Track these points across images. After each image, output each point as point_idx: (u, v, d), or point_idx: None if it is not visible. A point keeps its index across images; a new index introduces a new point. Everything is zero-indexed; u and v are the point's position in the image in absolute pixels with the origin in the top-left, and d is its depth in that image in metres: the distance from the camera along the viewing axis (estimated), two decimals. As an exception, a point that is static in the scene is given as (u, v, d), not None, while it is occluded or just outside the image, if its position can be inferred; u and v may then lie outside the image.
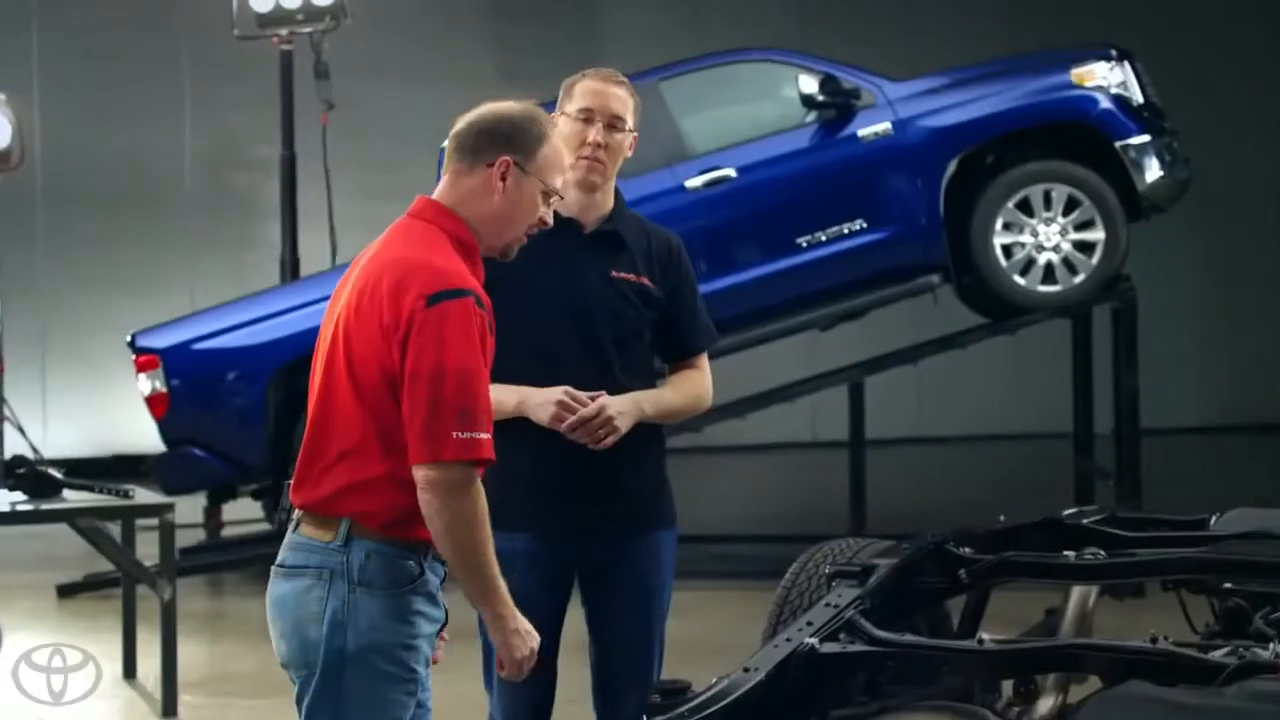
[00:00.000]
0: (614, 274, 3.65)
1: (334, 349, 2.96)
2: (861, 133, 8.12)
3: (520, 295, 3.56)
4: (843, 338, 9.43)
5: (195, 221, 13.01)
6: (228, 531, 9.21)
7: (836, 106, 8.10)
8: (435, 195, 3.05)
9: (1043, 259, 8.11)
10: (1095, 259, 8.06)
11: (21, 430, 10.12)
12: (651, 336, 3.72)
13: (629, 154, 3.71)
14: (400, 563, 2.92)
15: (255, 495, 8.93)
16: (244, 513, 9.26)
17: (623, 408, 3.53)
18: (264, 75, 10.21)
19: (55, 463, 10.47)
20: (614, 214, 3.72)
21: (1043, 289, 8.15)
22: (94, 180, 12.64)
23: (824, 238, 8.04)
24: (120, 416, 11.01)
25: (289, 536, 2.98)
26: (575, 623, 3.68)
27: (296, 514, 2.99)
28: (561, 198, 3.11)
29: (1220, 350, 15.29)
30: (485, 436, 2.86)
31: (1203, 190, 13.66)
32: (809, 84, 8.05)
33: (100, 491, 5.87)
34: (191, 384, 8.08)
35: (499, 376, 3.61)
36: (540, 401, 3.51)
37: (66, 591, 8.23)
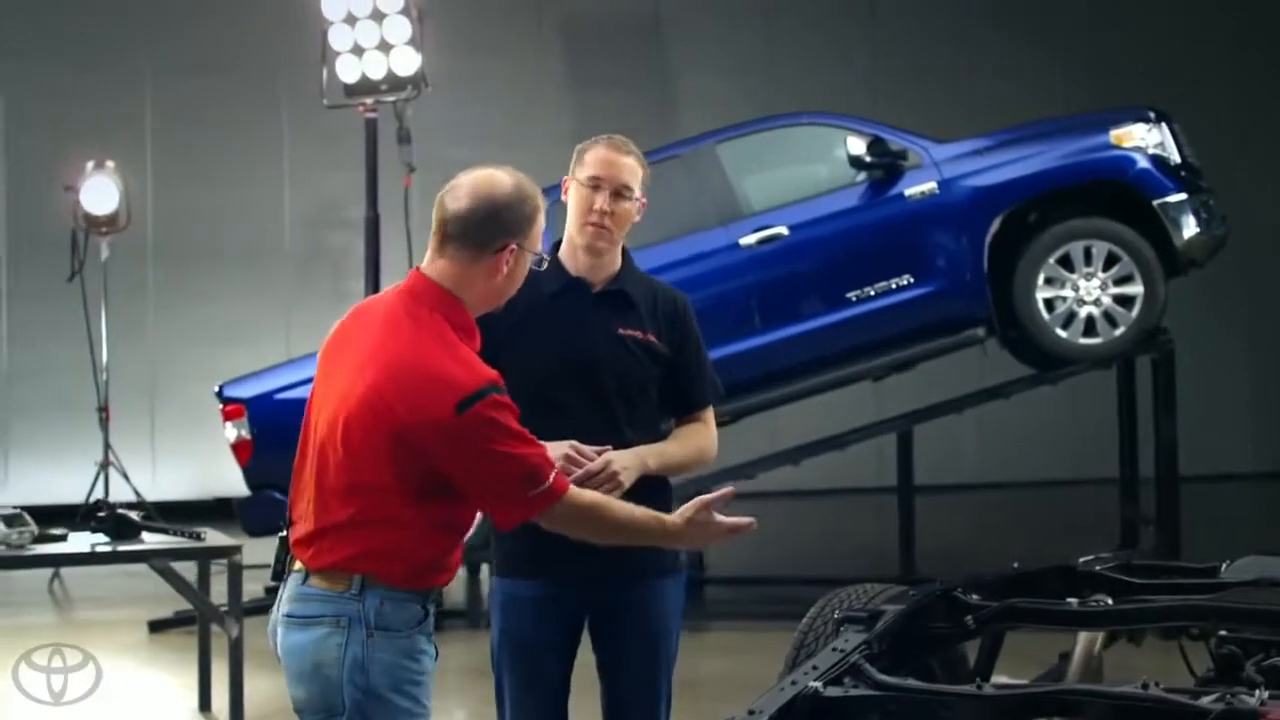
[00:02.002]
0: (621, 331, 3.63)
1: (345, 432, 2.96)
2: (908, 192, 8.04)
3: (532, 352, 3.58)
4: (908, 385, 9.33)
5: (292, 277, 13.17)
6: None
7: (884, 167, 8.05)
8: (435, 276, 3.02)
9: (1083, 312, 7.97)
10: (1135, 312, 7.92)
11: (125, 475, 10.26)
12: (658, 392, 3.70)
13: (637, 219, 3.69)
14: (410, 606, 2.97)
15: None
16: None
17: (627, 462, 3.51)
18: (355, 141, 10.32)
19: (161, 505, 10.67)
20: (622, 274, 3.72)
21: (1084, 341, 8.00)
22: (200, 239, 12.84)
23: (873, 292, 7.97)
24: (221, 461, 11.12)
25: (295, 589, 2.98)
26: (585, 664, 3.64)
27: (299, 566, 2.99)
28: (545, 259, 3.11)
29: (1274, 397, 14.95)
30: (550, 481, 2.97)
31: (1258, 239, 13.47)
32: (857, 146, 8.00)
33: (175, 534, 5.90)
34: (272, 431, 8.12)
35: None
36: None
37: (157, 627, 8.29)
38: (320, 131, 12.17)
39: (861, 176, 8.12)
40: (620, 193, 3.61)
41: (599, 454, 3.49)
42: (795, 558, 9.80)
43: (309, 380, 9.09)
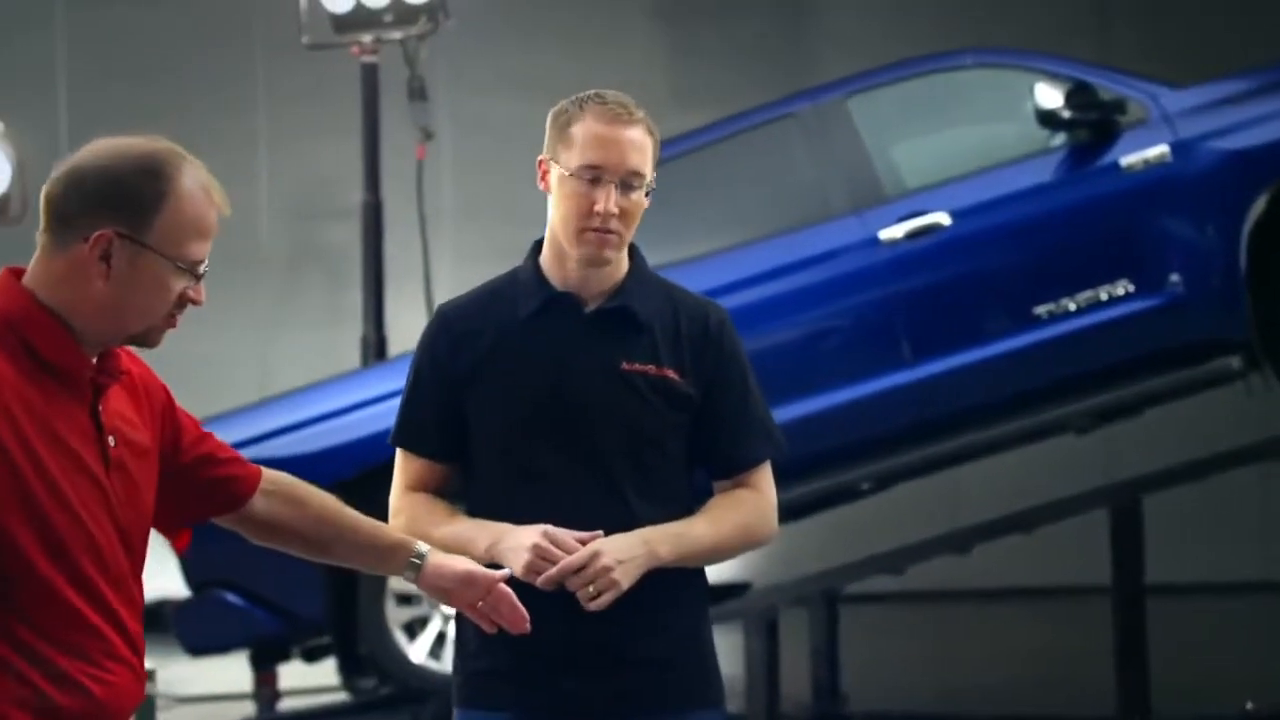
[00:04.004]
0: (625, 365, 3.65)
1: None
2: (1126, 161, 7.92)
3: (500, 395, 3.62)
4: (1130, 441, 9.19)
5: (271, 288, 13.29)
6: (288, 703, 9.30)
7: (1091, 125, 7.92)
8: (26, 277, 3.04)
9: (1403, 332, 7.85)
10: None
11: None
12: (686, 447, 3.71)
13: (647, 203, 3.71)
14: None
15: (308, 656, 9.00)
16: (311, 678, 9.34)
17: (625, 553, 3.51)
18: (351, 97, 10.41)
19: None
20: (627, 284, 3.73)
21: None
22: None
23: (1073, 306, 7.86)
24: (152, 550, 11.22)
25: None
26: None
27: None
28: (201, 273, 3.06)
29: None
30: None
31: None
32: (1051, 95, 7.88)
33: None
34: (223, 507, 8.18)
35: (476, 505, 3.67)
36: (514, 545, 3.51)
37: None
38: (309, 83, 12.28)
39: (1058, 139, 8.03)
40: (629, 182, 3.62)
41: (584, 541, 3.48)
42: (966, 686, 9.77)
43: (277, 433, 9.23)
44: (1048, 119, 7.92)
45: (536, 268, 3.71)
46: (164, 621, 8.56)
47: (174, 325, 3.11)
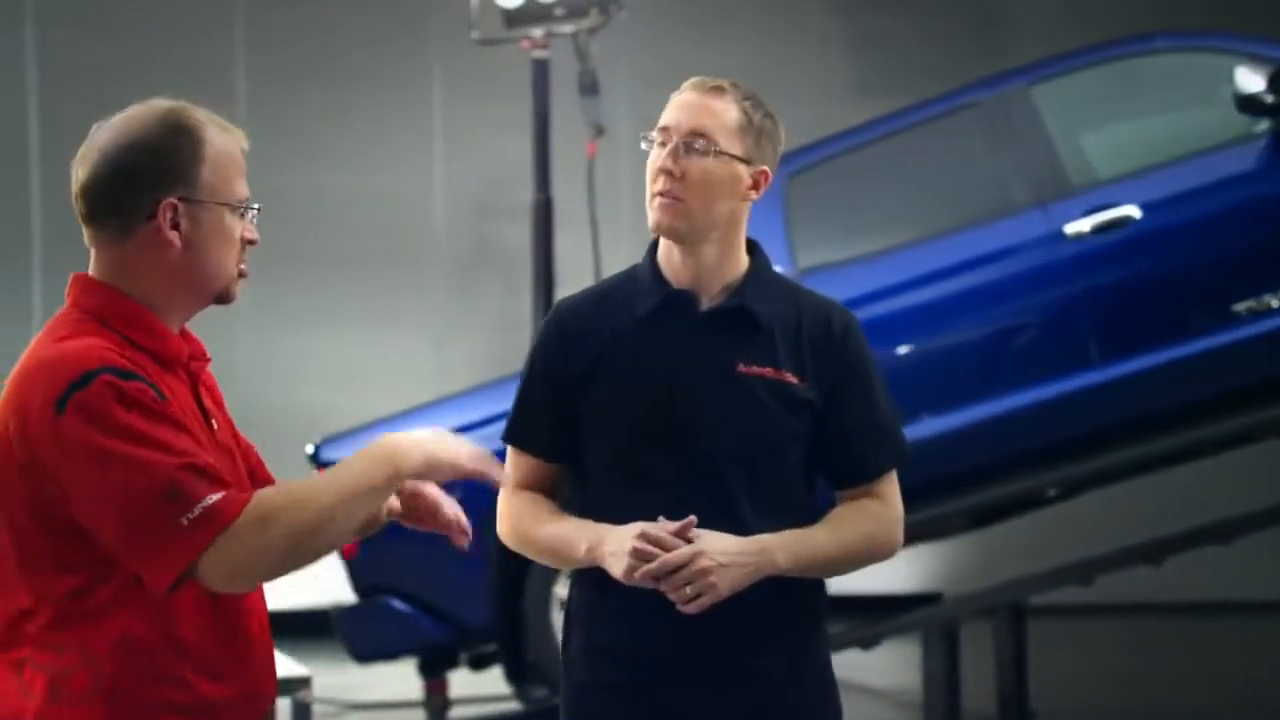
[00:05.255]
0: (741, 368, 3.58)
1: None
2: (1338, 147, 7.74)
3: (612, 398, 3.58)
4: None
5: (445, 287, 13.28)
6: (459, 712, 9.28)
7: (1298, 108, 7.73)
8: (94, 274, 3.11)
9: None
10: None
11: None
12: (806, 456, 3.63)
13: (754, 195, 3.63)
14: None
15: (475, 664, 8.98)
16: (483, 686, 9.31)
17: (729, 556, 3.42)
18: (525, 92, 10.38)
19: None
20: (746, 282, 3.64)
21: None
22: (312, 234, 12.98)
23: (1276, 304, 7.63)
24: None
25: None
26: None
27: None
28: (254, 207, 3.12)
29: None
30: (215, 498, 2.87)
31: None
32: (1252, 80, 7.64)
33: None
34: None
35: (587, 512, 3.62)
36: (613, 549, 3.45)
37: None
38: (483, 80, 12.28)
39: (1260, 125, 7.78)
40: (691, 144, 3.53)
41: (683, 536, 3.41)
42: (1160, 706, 9.60)
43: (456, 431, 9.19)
44: (1249, 104, 7.69)
45: (654, 265, 3.65)
46: (331, 627, 8.59)
47: (245, 275, 3.17)
